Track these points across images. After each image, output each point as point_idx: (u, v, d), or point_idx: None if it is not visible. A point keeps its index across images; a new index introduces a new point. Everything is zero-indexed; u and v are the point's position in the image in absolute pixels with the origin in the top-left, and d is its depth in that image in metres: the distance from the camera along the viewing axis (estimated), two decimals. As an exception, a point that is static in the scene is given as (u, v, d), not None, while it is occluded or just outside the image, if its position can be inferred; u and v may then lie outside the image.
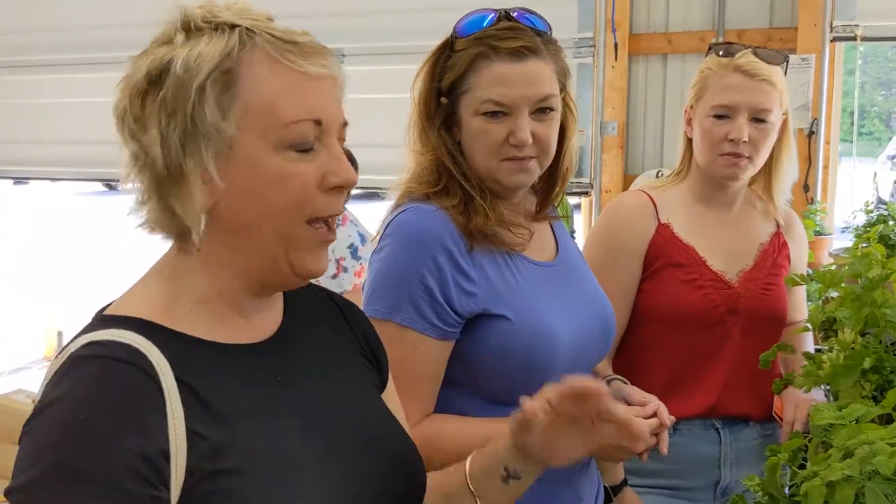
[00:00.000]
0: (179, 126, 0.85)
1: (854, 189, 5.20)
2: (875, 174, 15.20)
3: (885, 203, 2.77)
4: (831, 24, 3.43)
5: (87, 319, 0.90)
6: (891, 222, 2.66)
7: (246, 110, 0.86)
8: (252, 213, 0.88)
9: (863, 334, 1.50)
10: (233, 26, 0.87)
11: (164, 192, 0.87)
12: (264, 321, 0.96)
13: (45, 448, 0.78)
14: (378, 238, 1.37)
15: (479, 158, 1.36)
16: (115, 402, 0.79)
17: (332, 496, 0.89)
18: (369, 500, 0.93)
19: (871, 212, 2.73)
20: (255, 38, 0.87)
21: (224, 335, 0.91)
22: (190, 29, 0.87)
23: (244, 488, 0.83)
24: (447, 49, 1.37)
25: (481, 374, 1.34)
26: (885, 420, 1.22)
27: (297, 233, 0.89)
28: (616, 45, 3.71)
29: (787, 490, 1.31)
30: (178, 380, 0.83)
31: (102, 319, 0.88)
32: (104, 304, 0.92)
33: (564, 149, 1.43)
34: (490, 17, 1.35)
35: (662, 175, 3.49)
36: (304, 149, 0.88)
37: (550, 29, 1.39)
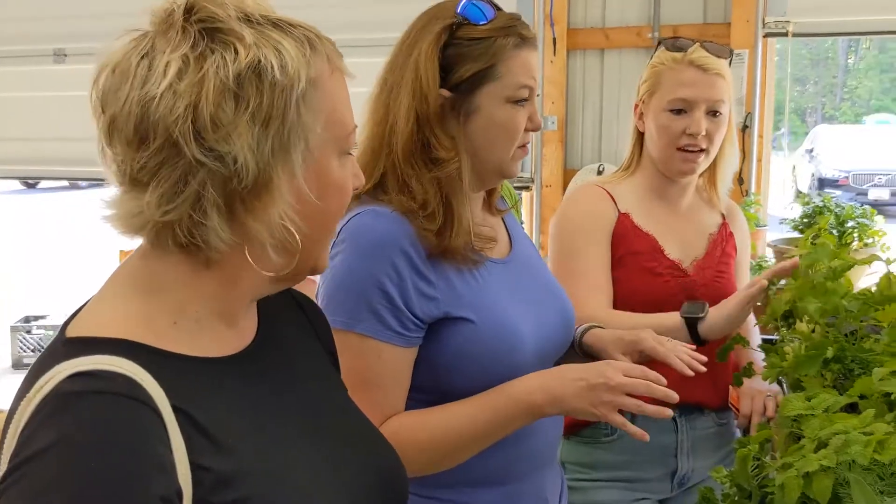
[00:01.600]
0: (273, 137, 0.78)
1: (784, 182, 5.35)
2: (794, 167, 15.75)
3: (824, 197, 2.85)
4: (763, 20, 3.49)
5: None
6: (826, 213, 2.73)
7: (328, 120, 0.83)
8: (314, 221, 0.85)
9: (821, 324, 1.52)
10: (290, 24, 0.82)
11: (240, 206, 0.80)
12: (246, 326, 0.91)
13: (57, 499, 0.68)
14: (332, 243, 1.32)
15: (497, 148, 1.33)
16: (127, 444, 0.71)
17: None
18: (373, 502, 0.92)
19: (808, 203, 2.80)
20: (314, 43, 0.83)
21: (211, 347, 0.85)
22: (251, 22, 0.80)
23: None
24: (447, 36, 1.29)
25: (445, 378, 1.30)
26: (849, 409, 1.23)
27: (331, 235, 0.92)
28: (555, 39, 3.71)
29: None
30: (175, 408, 0.76)
31: (79, 343, 0.78)
32: (65, 321, 0.83)
33: None
34: (485, 5, 1.32)
35: (604, 170, 3.52)
36: (349, 153, 0.89)
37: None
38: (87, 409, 0.72)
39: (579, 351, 1.53)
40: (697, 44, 1.76)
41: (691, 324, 1.62)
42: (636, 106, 1.85)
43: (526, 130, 1.35)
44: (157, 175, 0.78)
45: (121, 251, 4.89)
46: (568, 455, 1.81)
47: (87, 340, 0.78)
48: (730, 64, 1.81)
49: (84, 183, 13.74)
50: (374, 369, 1.24)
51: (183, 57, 0.77)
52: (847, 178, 13.92)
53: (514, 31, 1.31)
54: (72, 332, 0.80)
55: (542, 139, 3.80)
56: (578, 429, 1.80)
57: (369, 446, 0.99)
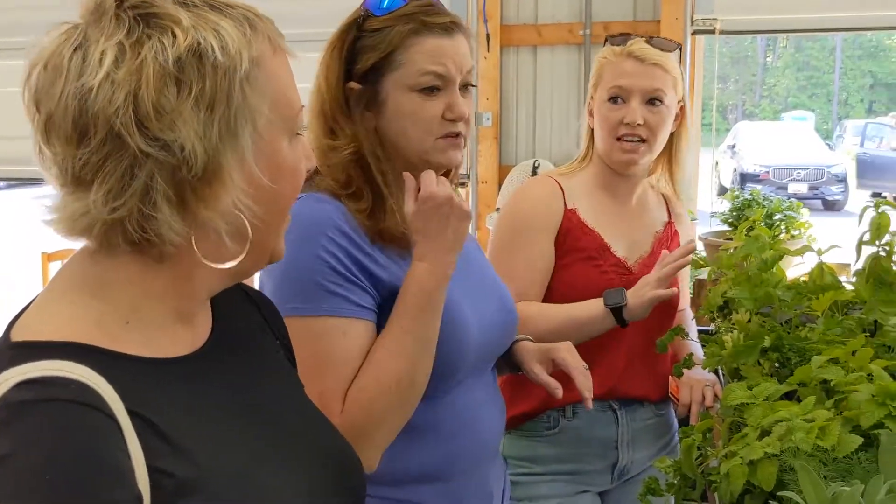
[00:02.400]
0: (219, 121, 0.75)
1: (710, 177, 5.48)
2: (717, 163, 16.18)
3: (752, 191, 2.92)
4: (692, 17, 3.57)
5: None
6: (756, 206, 2.80)
7: (273, 100, 0.80)
8: (268, 205, 0.82)
9: (756, 314, 1.55)
10: (227, 5, 0.78)
11: (190, 195, 0.76)
12: (201, 323, 0.88)
13: None
14: None
15: (411, 138, 1.30)
16: (83, 453, 0.68)
17: None
18: (331, 499, 0.91)
19: (737, 197, 2.87)
20: (254, 22, 0.79)
21: (166, 348, 0.81)
22: (188, 5, 0.76)
23: None
24: (354, 31, 1.31)
25: None
26: (788, 396, 1.26)
27: (286, 220, 0.88)
28: (488, 36, 3.72)
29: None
30: (130, 412, 0.72)
31: (25, 347, 0.74)
32: (9, 324, 0.78)
33: None
34: None
35: (539, 165, 3.55)
36: (298, 134, 0.85)
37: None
38: (39, 419, 0.68)
39: (506, 364, 1.54)
40: (642, 38, 1.78)
41: (616, 311, 1.67)
42: (588, 102, 1.86)
43: (447, 120, 1.30)
44: (102, 171, 0.74)
45: (43, 253, 4.73)
46: (509, 450, 1.81)
47: (34, 345, 0.74)
48: (679, 59, 1.84)
49: (1, 183, 13.27)
50: (339, 347, 1.20)
51: (118, 45, 0.74)
52: (768, 172, 14.38)
53: (414, 18, 1.28)
54: (17, 337, 0.76)
55: (478, 136, 3.81)
56: (519, 423, 1.81)
57: (328, 443, 0.97)
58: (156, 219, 0.75)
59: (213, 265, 0.81)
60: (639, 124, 1.73)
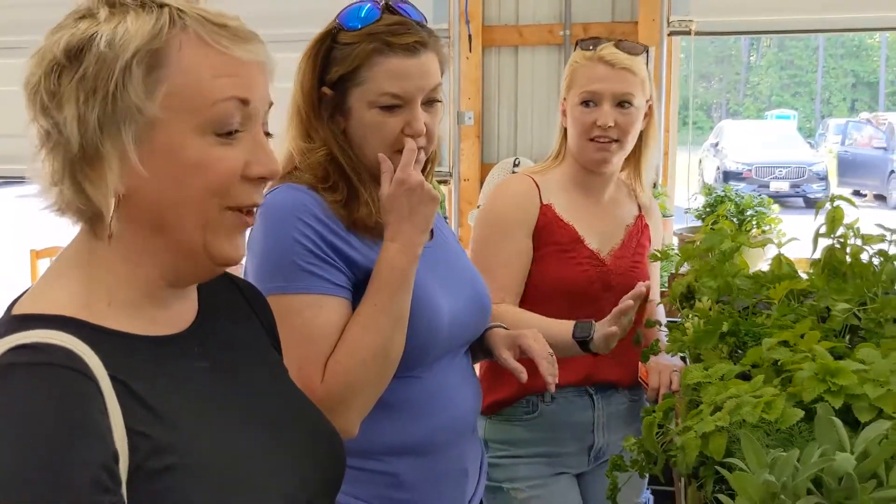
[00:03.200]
0: (99, 105, 0.81)
1: (688, 175, 5.58)
2: (700, 161, 16.33)
3: (725, 188, 3.02)
4: (668, 18, 3.67)
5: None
6: (727, 203, 2.90)
7: (172, 92, 0.84)
8: (171, 199, 0.85)
9: (718, 302, 1.64)
10: (161, 5, 0.84)
11: (78, 173, 0.83)
12: (182, 311, 0.94)
13: None
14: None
15: (371, 149, 1.39)
16: (65, 412, 0.75)
17: (279, 485, 0.90)
18: (312, 485, 0.96)
19: (711, 193, 2.97)
20: (185, 19, 0.84)
21: (145, 328, 0.88)
22: (115, 4, 0.84)
23: (191, 484, 0.82)
24: (329, 41, 1.39)
25: None
26: (744, 376, 1.35)
27: (216, 218, 0.88)
28: (470, 36, 3.81)
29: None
30: (113, 378, 0.80)
31: (21, 319, 0.82)
32: (12, 302, 0.86)
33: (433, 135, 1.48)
34: (368, 7, 1.38)
35: (520, 163, 3.64)
36: (228, 131, 0.86)
37: (425, 18, 1.44)
38: (26, 380, 0.76)
39: (480, 350, 1.63)
40: (611, 42, 1.87)
41: (582, 343, 1.72)
42: (561, 103, 1.95)
43: (407, 135, 1.37)
44: (40, 149, 0.85)
45: (32, 250, 4.78)
46: (491, 434, 1.90)
47: (28, 317, 0.82)
48: (647, 62, 1.92)
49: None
50: (317, 322, 1.29)
51: (48, 37, 0.85)
52: (750, 170, 14.52)
53: (378, 37, 1.35)
54: (17, 311, 0.84)
55: (460, 134, 3.89)
56: (500, 408, 1.90)
57: (310, 427, 1.03)
58: (66, 195, 0.84)
59: (135, 252, 0.87)
60: (610, 126, 1.82)
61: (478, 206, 3.68)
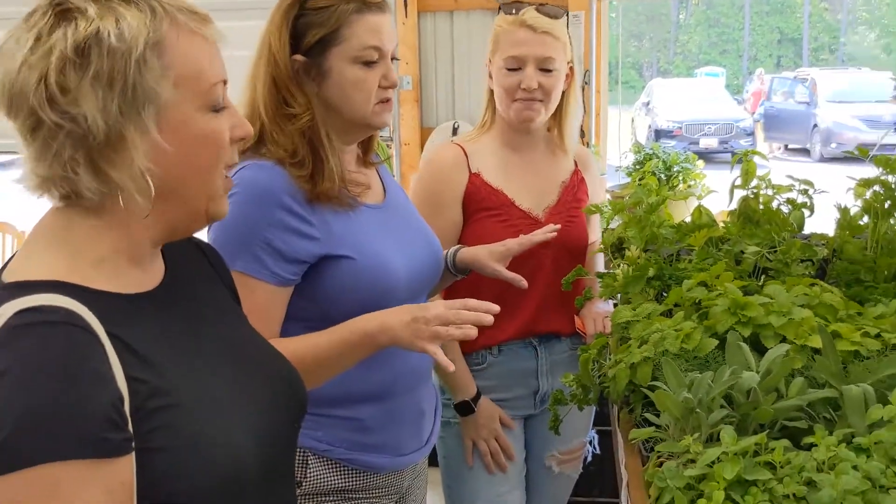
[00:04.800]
0: (118, 95, 0.89)
1: (619, 134, 5.76)
2: (633, 120, 16.63)
3: (652, 145, 3.18)
4: (597, -18, 3.79)
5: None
6: (655, 160, 3.06)
7: (180, 77, 0.93)
8: (184, 171, 0.95)
9: (645, 251, 1.80)
10: None
11: (99, 159, 0.91)
12: (154, 269, 1.04)
13: (15, 411, 0.80)
14: None
15: (354, 104, 1.48)
16: (76, 360, 0.84)
17: (253, 420, 1.01)
18: (278, 415, 1.08)
19: (640, 151, 3.13)
20: (166, 9, 0.93)
21: (125, 286, 0.97)
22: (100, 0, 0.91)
23: (183, 420, 0.92)
24: (296, 8, 1.47)
25: (329, 310, 1.47)
26: (668, 314, 1.51)
27: (219, 184, 1.00)
28: (406, 2, 3.88)
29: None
30: (109, 333, 0.89)
31: (18, 286, 0.90)
32: (0, 269, 0.95)
33: None
34: None
35: (459, 127, 3.74)
36: (219, 108, 0.98)
37: None
38: (37, 337, 0.84)
39: (454, 271, 1.75)
40: (532, 7, 1.97)
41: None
42: (487, 66, 2.04)
43: (382, 87, 1.48)
44: (33, 139, 0.92)
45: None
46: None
47: (24, 284, 0.91)
48: (567, 24, 2.03)
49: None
50: (247, 302, 1.40)
51: (37, 34, 0.90)
52: (681, 128, 14.85)
53: None
54: (9, 278, 0.93)
55: (399, 99, 3.97)
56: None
57: (275, 365, 1.16)
58: (72, 179, 0.92)
59: (135, 220, 0.96)
60: (534, 88, 1.92)
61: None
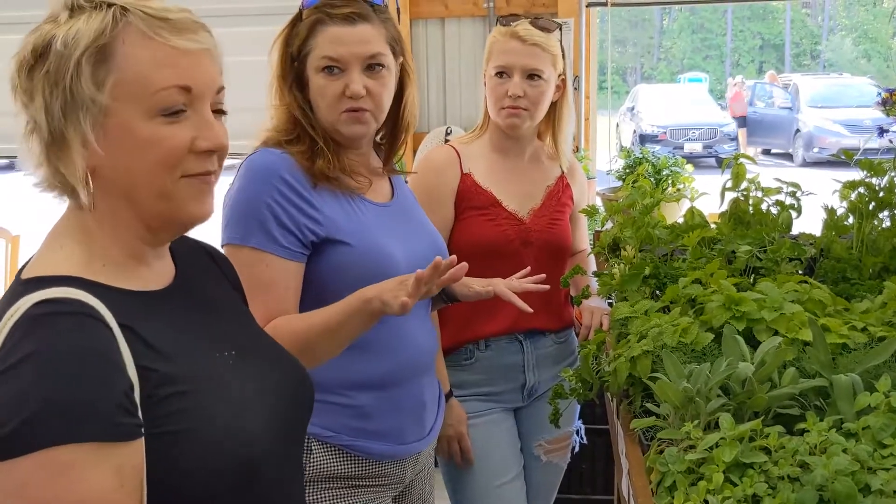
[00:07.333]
0: (60, 97, 0.95)
1: (608, 139, 5.83)
2: (617, 125, 16.74)
3: (642, 150, 3.26)
4: (586, -9, 3.87)
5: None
6: (645, 164, 3.14)
7: (119, 82, 0.95)
8: (130, 175, 0.98)
9: (640, 250, 1.87)
10: (109, 5, 0.97)
11: (52, 156, 0.97)
12: (163, 270, 1.08)
13: (34, 396, 0.85)
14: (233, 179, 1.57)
15: (322, 111, 1.59)
16: (92, 348, 0.90)
17: (265, 410, 1.06)
18: (288, 407, 1.13)
19: (630, 156, 3.20)
20: (127, 16, 0.97)
21: (135, 284, 1.02)
22: (73, 7, 0.97)
23: (196, 406, 0.97)
24: (297, 20, 1.59)
25: (325, 293, 1.52)
26: (665, 310, 1.58)
27: (171, 188, 0.99)
28: (398, 9, 3.94)
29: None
30: (121, 325, 0.94)
31: (35, 281, 0.95)
32: (19, 270, 1.01)
33: (403, 106, 1.66)
34: None
35: (451, 132, 3.81)
36: (174, 112, 0.97)
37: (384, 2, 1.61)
38: (56, 325, 0.90)
39: (443, 296, 1.80)
40: (527, 19, 2.06)
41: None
42: (484, 74, 2.13)
43: (346, 97, 1.55)
44: (28, 139, 0.99)
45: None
46: None
47: (41, 279, 0.95)
48: (560, 38, 2.11)
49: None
50: (265, 276, 1.48)
51: (24, 40, 0.98)
52: (665, 133, 14.97)
53: (319, 9, 1.55)
54: (27, 275, 0.98)
55: (392, 104, 4.02)
56: (444, 355, 2.09)
57: (282, 362, 1.20)
58: (46, 175, 0.99)
59: (115, 218, 1.00)
60: (520, 96, 2.02)
61: (413, 172, 3.84)
